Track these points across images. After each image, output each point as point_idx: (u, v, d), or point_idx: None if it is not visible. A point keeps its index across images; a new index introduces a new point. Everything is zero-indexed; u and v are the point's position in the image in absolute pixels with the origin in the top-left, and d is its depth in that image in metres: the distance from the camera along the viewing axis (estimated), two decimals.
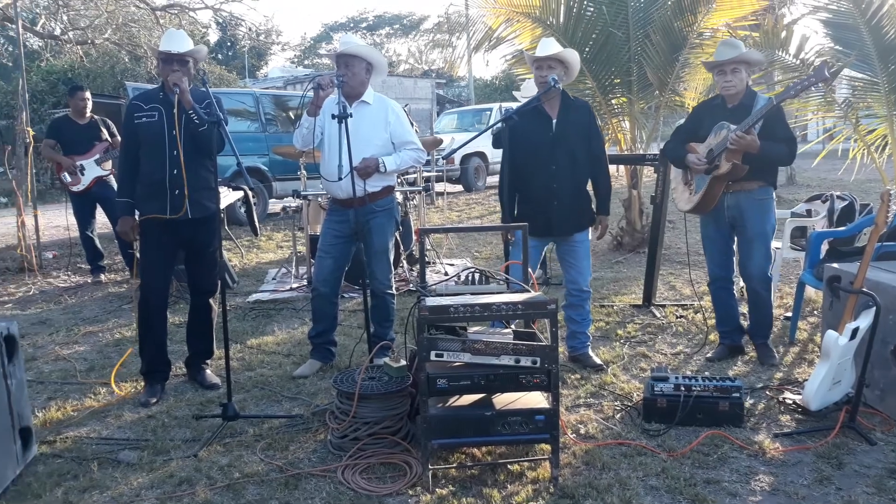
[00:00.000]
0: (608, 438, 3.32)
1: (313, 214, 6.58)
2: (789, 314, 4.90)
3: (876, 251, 3.52)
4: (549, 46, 4.15)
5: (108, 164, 7.02)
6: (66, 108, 7.41)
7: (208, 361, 4.24)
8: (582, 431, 3.40)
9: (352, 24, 46.18)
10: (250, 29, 19.81)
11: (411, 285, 6.26)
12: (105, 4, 13.21)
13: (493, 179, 15.61)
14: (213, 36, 30.11)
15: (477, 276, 3.37)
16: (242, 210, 9.08)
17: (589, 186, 4.35)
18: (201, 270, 4.08)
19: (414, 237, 6.78)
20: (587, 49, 7.38)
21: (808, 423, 3.42)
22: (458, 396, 3.05)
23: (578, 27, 7.32)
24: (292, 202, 7.04)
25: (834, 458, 3.07)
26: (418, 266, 3.72)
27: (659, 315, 5.35)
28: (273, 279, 6.96)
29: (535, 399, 3.05)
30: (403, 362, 3.37)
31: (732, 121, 3.98)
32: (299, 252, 7.06)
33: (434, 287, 3.33)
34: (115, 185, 6.76)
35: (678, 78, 7.36)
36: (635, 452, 3.16)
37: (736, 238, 4.31)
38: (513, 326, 3.41)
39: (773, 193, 4.23)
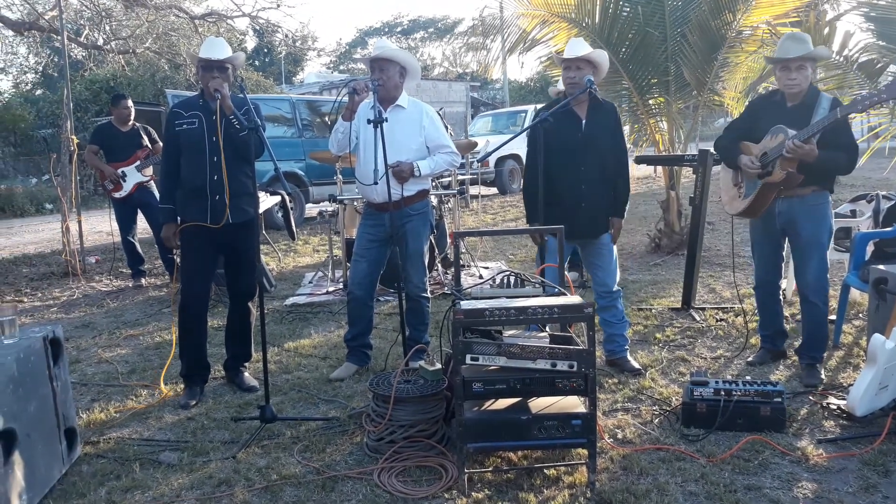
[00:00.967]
0: (646, 443, 3.27)
1: (349, 218, 6.62)
2: (833, 317, 4.78)
3: None
4: (578, 47, 4.11)
5: (149, 171, 7.16)
6: (110, 116, 7.58)
7: (246, 364, 4.30)
8: (619, 436, 3.37)
9: (386, 29, 46.48)
10: (286, 35, 20.04)
11: (446, 288, 6.25)
12: (146, 14, 13.49)
13: None
14: (251, 43, 30.54)
15: (512, 279, 3.36)
16: (280, 214, 9.21)
17: None
18: (240, 274, 4.13)
19: (449, 240, 6.78)
20: (623, 49, 7.31)
21: (853, 428, 3.33)
22: (493, 400, 3.05)
23: (614, 27, 7.25)
24: (328, 206, 7.11)
25: (880, 466, 2.99)
26: (453, 269, 3.72)
27: (698, 318, 5.27)
28: (310, 283, 7.03)
29: (572, 403, 3.02)
30: (439, 366, 3.36)
31: (792, 122, 3.76)
32: (335, 256, 7.11)
33: (469, 290, 3.32)
34: (155, 191, 6.90)
35: (717, 77, 7.24)
36: (674, 458, 3.11)
37: (790, 245, 4.11)
38: (548, 330, 3.39)
39: (830, 198, 3.95)
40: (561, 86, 4.64)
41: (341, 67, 44.23)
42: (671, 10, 7.18)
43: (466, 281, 6.27)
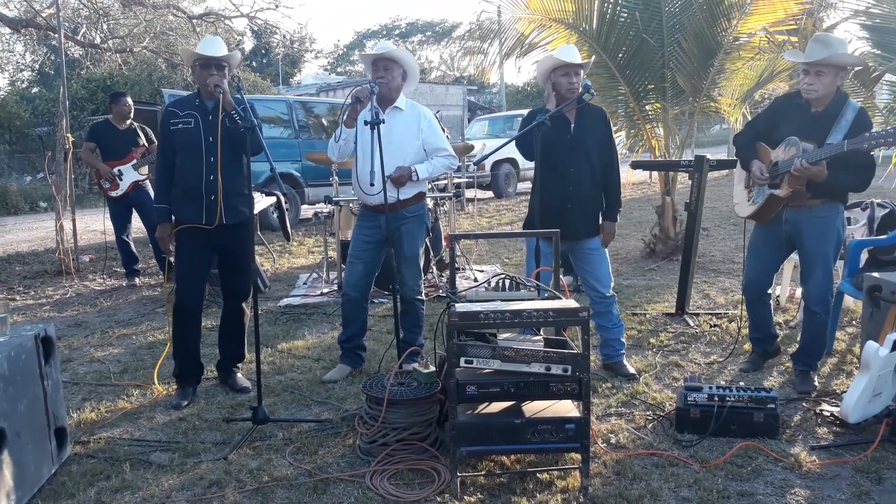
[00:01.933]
0: (640, 448, 3.27)
1: (344, 220, 6.62)
2: None
3: None
4: (574, 53, 4.12)
5: (145, 170, 7.14)
6: (106, 115, 7.56)
7: (239, 365, 4.28)
8: (613, 441, 3.36)
9: (384, 32, 46.53)
10: (284, 37, 20.09)
11: (441, 291, 6.25)
12: (144, 13, 13.48)
13: (524, 186, 15.59)
14: (248, 44, 30.55)
15: (507, 282, 3.35)
16: (275, 215, 9.19)
17: None
18: (234, 275, 4.12)
19: (444, 243, 6.78)
20: (620, 55, 7.31)
21: (847, 435, 3.33)
22: (487, 403, 3.04)
23: (612, 33, 7.26)
24: (324, 208, 7.09)
25: (873, 473, 2.99)
26: (448, 272, 3.72)
27: (692, 324, 5.27)
28: (304, 284, 7.01)
29: (566, 407, 3.02)
30: (433, 368, 3.35)
31: (813, 129, 3.67)
32: (330, 257, 7.10)
33: (464, 293, 3.31)
34: (151, 191, 6.88)
35: (713, 84, 7.25)
36: (667, 463, 3.11)
37: (798, 254, 4.05)
38: (543, 334, 3.38)
39: (842, 209, 3.85)
40: None
41: (339, 69, 44.27)
42: (668, 17, 7.19)
43: (461, 284, 6.26)
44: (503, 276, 3.40)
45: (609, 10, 7.24)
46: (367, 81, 3.99)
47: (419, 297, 4.38)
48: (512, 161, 14.90)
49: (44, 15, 12.53)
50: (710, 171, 5.68)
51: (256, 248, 7.18)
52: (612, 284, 4.29)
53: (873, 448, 3.13)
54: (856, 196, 4.42)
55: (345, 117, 4.05)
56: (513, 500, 2.81)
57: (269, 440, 3.42)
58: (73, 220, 7.96)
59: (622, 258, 8.02)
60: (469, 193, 13.56)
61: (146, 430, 3.62)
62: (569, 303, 3.01)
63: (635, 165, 6.53)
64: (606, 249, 4.27)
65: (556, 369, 2.85)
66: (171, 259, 4.12)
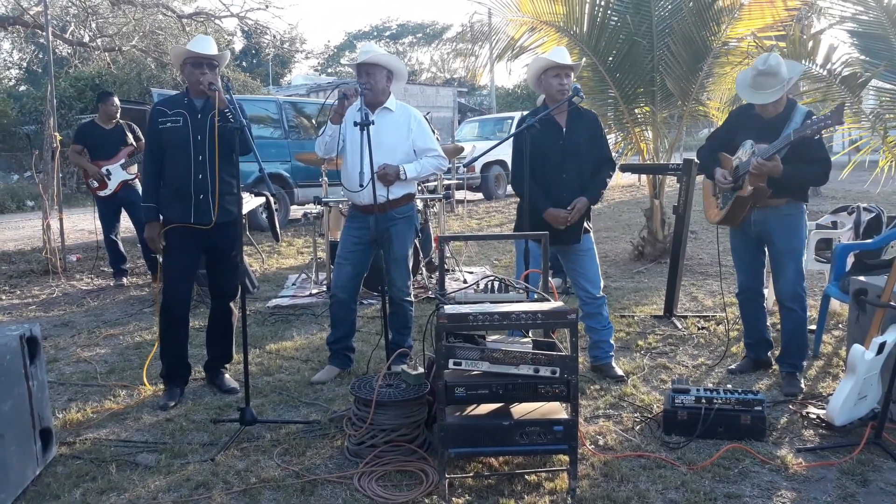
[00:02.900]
0: (627, 450, 3.28)
1: (334, 221, 6.60)
2: (813, 327, 4.82)
3: None
4: (565, 54, 4.13)
5: (134, 169, 7.11)
6: (94, 114, 7.51)
7: (227, 366, 4.26)
8: (601, 443, 3.37)
9: (375, 33, 46.47)
10: (275, 37, 20.00)
11: (430, 293, 6.25)
12: (133, 12, 13.41)
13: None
14: (238, 44, 30.39)
15: (496, 284, 3.35)
16: (264, 216, 9.15)
17: None
18: (222, 275, 4.10)
19: (433, 245, 6.78)
20: (610, 58, 7.34)
21: (833, 438, 3.35)
22: (475, 405, 3.04)
23: (602, 36, 7.28)
24: (313, 208, 7.07)
25: (859, 475, 3.01)
26: (437, 273, 3.71)
27: (680, 326, 5.30)
28: (293, 285, 7.00)
29: (554, 409, 3.02)
30: (421, 370, 3.35)
31: (766, 133, 3.85)
32: (319, 258, 7.08)
33: (453, 295, 3.31)
34: (139, 190, 6.84)
35: (702, 88, 7.29)
36: (655, 465, 3.12)
37: (767, 253, 4.19)
38: (531, 336, 3.39)
39: (805, 207, 4.07)
40: None
41: (329, 70, 44.16)
42: (658, 21, 7.22)
43: (451, 285, 6.25)
44: (492, 278, 3.40)
45: (599, 14, 7.28)
46: (356, 83, 3.99)
47: (408, 299, 4.38)
48: (502, 163, 14.92)
49: (31, 13, 12.44)
50: (698, 174, 5.70)
51: (245, 248, 7.16)
52: (603, 285, 4.30)
53: (859, 450, 3.15)
54: (843, 200, 4.46)
55: (331, 113, 4.06)
56: (501, 502, 2.81)
57: (257, 441, 3.41)
58: (61, 220, 7.89)
59: (611, 260, 8.04)
60: (459, 195, 13.57)
61: (133, 430, 3.60)
62: (557, 305, 3.01)
63: (624, 168, 6.56)
64: (595, 251, 4.28)
65: (545, 371, 2.86)
66: (161, 258, 4.10)
